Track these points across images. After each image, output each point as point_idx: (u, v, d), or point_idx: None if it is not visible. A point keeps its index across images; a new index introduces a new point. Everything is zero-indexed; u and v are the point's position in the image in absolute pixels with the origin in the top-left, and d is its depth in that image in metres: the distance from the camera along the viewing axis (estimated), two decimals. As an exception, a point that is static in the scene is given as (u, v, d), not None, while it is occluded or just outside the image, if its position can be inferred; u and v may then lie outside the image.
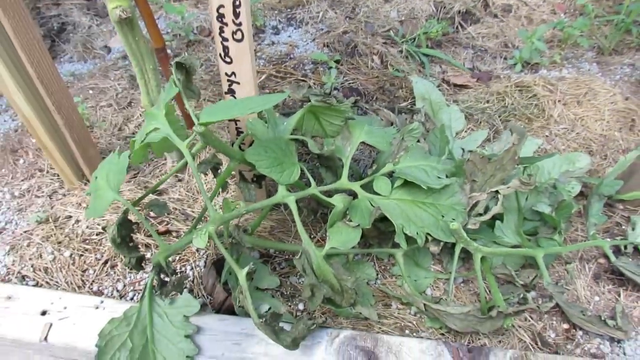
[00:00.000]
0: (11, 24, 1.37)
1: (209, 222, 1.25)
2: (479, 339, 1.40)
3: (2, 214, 1.77)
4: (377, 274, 1.57)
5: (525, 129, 2.04)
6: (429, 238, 1.41)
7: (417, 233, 1.38)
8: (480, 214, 1.48)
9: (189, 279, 1.56)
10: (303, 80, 2.21)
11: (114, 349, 1.24)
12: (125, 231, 1.30)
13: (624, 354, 1.38)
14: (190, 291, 1.53)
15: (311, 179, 1.39)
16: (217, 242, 1.22)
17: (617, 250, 1.61)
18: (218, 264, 1.53)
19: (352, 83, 2.19)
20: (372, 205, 1.40)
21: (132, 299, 1.53)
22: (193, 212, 1.73)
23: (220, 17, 1.21)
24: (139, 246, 1.63)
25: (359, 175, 1.76)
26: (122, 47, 2.47)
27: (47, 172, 1.89)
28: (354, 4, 2.67)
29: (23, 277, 1.57)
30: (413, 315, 1.47)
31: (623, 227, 1.70)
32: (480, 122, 2.05)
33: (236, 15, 1.20)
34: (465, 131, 2.01)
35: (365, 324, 1.43)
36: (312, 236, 1.66)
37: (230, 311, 1.44)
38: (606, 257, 1.57)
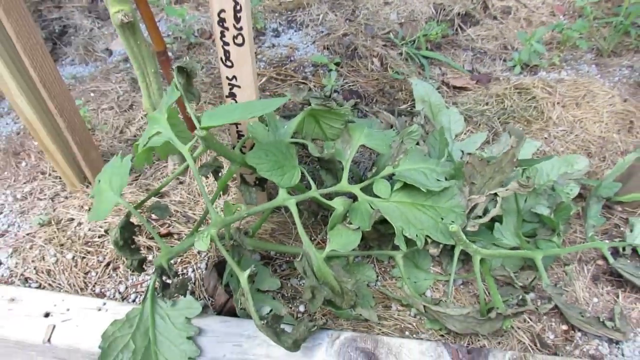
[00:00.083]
0: (14, 28, 1.38)
1: (210, 225, 1.26)
2: (478, 341, 1.42)
3: (4, 217, 1.78)
4: (377, 276, 1.58)
5: (524, 131, 2.05)
6: (429, 240, 1.42)
7: (417, 235, 1.39)
8: (479, 216, 1.49)
9: (191, 281, 1.57)
10: (303, 83, 2.22)
11: (116, 350, 1.25)
12: (127, 234, 1.32)
13: (623, 355, 1.39)
14: (192, 293, 1.54)
15: (311, 182, 1.40)
16: (218, 244, 1.23)
17: (615, 252, 1.62)
18: (219, 266, 1.54)
19: (352, 85, 2.20)
20: (372, 207, 1.42)
21: (134, 300, 1.54)
22: (194, 214, 1.74)
23: (222, 21, 1.22)
24: (141, 248, 1.64)
25: (359, 178, 1.77)
26: (123, 49, 2.48)
27: (49, 174, 1.90)
28: (353, 6, 2.68)
29: (26, 279, 1.59)
30: (413, 316, 1.48)
31: (621, 228, 1.70)
32: (480, 125, 2.06)
33: (237, 19, 1.21)
34: (465, 133, 2.02)
35: (365, 325, 1.44)
36: (312, 238, 1.67)
37: (232, 313, 1.46)
38: (605, 258, 1.58)
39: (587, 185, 1.78)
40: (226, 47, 1.27)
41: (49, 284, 1.57)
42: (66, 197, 1.82)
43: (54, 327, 1.38)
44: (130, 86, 2.26)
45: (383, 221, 1.42)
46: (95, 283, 1.58)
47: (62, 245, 1.66)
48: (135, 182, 1.84)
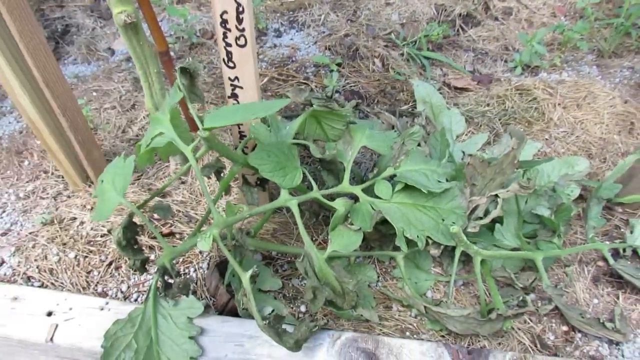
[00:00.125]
0: (17, 28, 1.39)
1: (212, 226, 1.26)
2: (478, 341, 1.42)
3: (7, 215, 1.79)
4: (378, 277, 1.59)
5: (525, 133, 2.05)
6: (430, 241, 1.42)
7: (418, 236, 1.40)
8: (480, 218, 1.49)
9: (193, 280, 1.57)
10: (305, 83, 2.22)
11: (119, 349, 1.26)
12: (130, 234, 1.32)
13: (623, 356, 1.40)
14: (194, 293, 1.55)
15: (313, 183, 1.41)
16: (221, 245, 1.24)
17: (616, 253, 1.63)
18: (221, 266, 1.55)
19: (354, 86, 2.21)
20: (373, 208, 1.42)
21: (136, 300, 1.54)
22: (196, 214, 1.75)
23: (224, 22, 1.22)
24: (143, 248, 1.65)
25: (360, 178, 1.77)
26: (125, 49, 2.48)
27: (52, 173, 1.91)
28: (355, 6, 2.68)
29: (28, 278, 1.59)
30: (413, 317, 1.49)
31: (622, 230, 1.71)
32: (481, 125, 2.06)
33: (239, 21, 1.21)
34: (466, 134, 2.03)
35: (366, 325, 1.45)
36: (314, 238, 1.68)
37: (233, 313, 1.46)
38: (605, 260, 1.59)
39: (587, 186, 1.79)
40: (228, 48, 1.28)
41: (52, 283, 1.57)
42: (68, 196, 1.83)
43: (57, 326, 1.39)
44: (132, 86, 2.26)
45: (384, 222, 1.42)
46: (98, 282, 1.58)
47: (64, 244, 1.66)
48: (137, 181, 1.85)
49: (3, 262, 1.64)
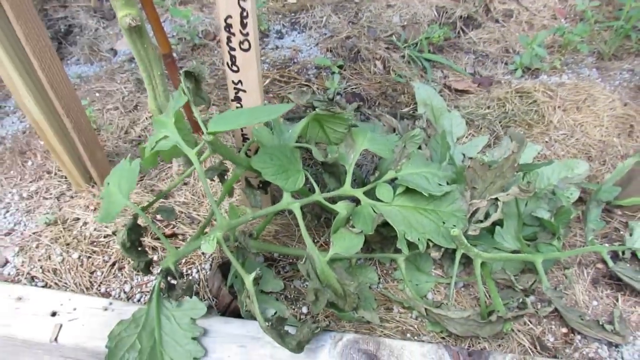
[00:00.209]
0: (23, 30, 1.40)
1: (216, 228, 1.28)
2: (479, 343, 1.44)
3: (10, 215, 1.80)
4: (379, 278, 1.60)
5: (525, 135, 2.07)
6: (430, 244, 1.44)
7: (419, 239, 1.41)
8: (481, 221, 1.51)
9: (195, 281, 1.59)
10: (306, 85, 2.23)
11: (123, 350, 1.27)
12: (134, 235, 1.33)
13: (622, 358, 1.41)
14: (196, 294, 1.56)
15: (315, 185, 1.42)
16: (224, 248, 1.25)
17: (615, 256, 1.64)
18: (224, 267, 1.56)
19: (355, 88, 2.22)
20: (374, 211, 1.43)
21: (139, 300, 1.56)
22: (198, 215, 1.76)
23: (228, 27, 1.24)
24: (146, 249, 1.66)
25: (361, 181, 1.79)
26: (128, 49, 2.50)
27: (55, 174, 1.92)
28: (357, 8, 2.69)
29: (32, 278, 1.61)
30: (414, 319, 1.50)
31: (621, 232, 1.72)
32: (481, 128, 2.08)
33: (243, 25, 1.23)
34: (466, 137, 2.04)
35: (367, 327, 1.46)
36: (315, 240, 1.69)
37: (235, 313, 1.48)
38: (604, 262, 1.60)
39: (587, 189, 1.80)
40: (232, 52, 1.29)
41: (55, 283, 1.59)
42: (71, 197, 1.84)
43: (61, 326, 1.40)
44: (135, 86, 2.27)
45: (385, 224, 1.44)
46: (101, 282, 1.60)
47: (68, 244, 1.68)
48: (140, 182, 1.86)
49: (7, 262, 1.65)
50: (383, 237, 1.56)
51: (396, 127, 1.89)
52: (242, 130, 1.50)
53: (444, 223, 1.45)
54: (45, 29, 1.46)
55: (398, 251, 1.48)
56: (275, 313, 1.42)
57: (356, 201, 1.46)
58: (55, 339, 1.37)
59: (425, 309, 1.43)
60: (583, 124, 2.10)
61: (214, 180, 1.87)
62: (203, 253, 1.65)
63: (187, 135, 1.36)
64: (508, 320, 1.40)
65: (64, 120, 1.63)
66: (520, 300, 1.47)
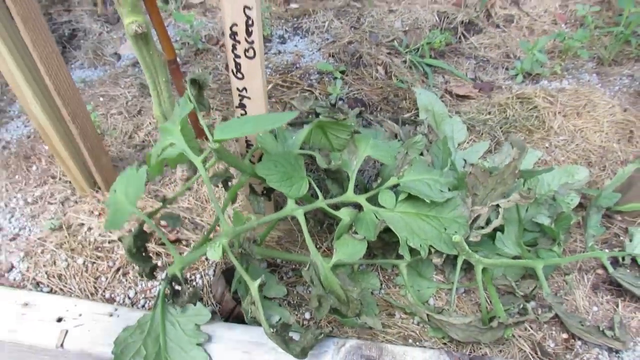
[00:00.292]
0: (31, 37, 1.41)
1: (221, 235, 1.29)
2: (480, 349, 1.45)
3: (15, 220, 1.81)
4: (381, 284, 1.62)
5: (526, 141, 2.08)
6: (432, 250, 1.45)
7: (421, 245, 1.43)
8: (482, 227, 1.52)
9: (199, 287, 1.60)
10: (309, 91, 2.25)
11: (128, 356, 1.29)
12: (140, 242, 1.35)
13: (621, 364, 1.43)
14: (200, 299, 1.57)
15: (318, 192, 1.44)
16: (230, 255, 1.26)
17: (615, 262, 1.65)
18: (227, 273, 1.58)
19: (357, 94, 2.24)
20: (377, 218, 1.45)
21: (143, 306, 1.57)
22: (202, 221, 1.78)
23: (233, 35, 1.25)
24: (151, 255, 1.67)
25: (363, 186, 1.80)
26: (131, 54, 2.51)
27: (60, 179, 1.94)
28: (359, 14, 2.71)
29: (37, 283, 1.62)
30: (416, 324, 1.52)
31: (621, 238, 1.74)
32: (482, 134, 2.09)
33: (249, 33, 1.24)
34: (467, 142, 2.06)
35: (369, 333, 1.48)
36: (318, 246, 1.70)
37: (239, 319, 1.49)
38: (604, 268, 1.61)
39: (587, 195, 1.81)
40: (237, 60, 1.30)
41: (60, 289, 1.60)
42: (76, 202, 1.86)
43: (67, 332, 1.41)
44: (138, 91, 2.29)
45: (387, 230, 1.45)
46: (105, 288, 1.61)
47: (72, 250, 1.69)
48: (144, 187, 1.87)
49: (12, 267, 1.67)
50: (385, 243, 1.58)
51: (398, 133, 1.90)
52: (245, 137, 1.52)
53: (445, 229, 1.46)
54: (51, 35, 1.47)
55: (400, 257, 1.49)
56: (280, 319, 1.44)
57: (358, 207, 1.48)
58: (61, 345, 1.39)
59: (427, 314, 1.44)
60: (583, 130, 2.12)
61: (217, 187, 1.88)
62: (207, 259, 1.66)
63: (192, 142, 1.37)
64: (509, 326, 1.41)
65: (70, 126, 1.64)
66: (521, 306, 1.49)
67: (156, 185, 1.89)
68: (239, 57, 1.30)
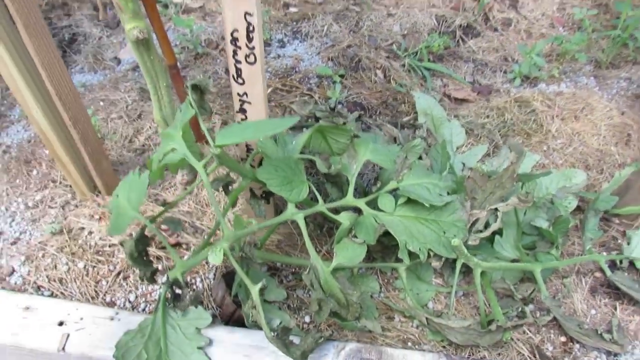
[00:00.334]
0: (33, 42, 1.42)
1: (222, 239, 1.30)
2: (479, 352, 1.46)
3: (16, 224, 1.82)
4: (381, 287, 1.62)
5: (524, 144, 2.09)
6: (431, 253, 1.46)
7: (420, 249, 1.44)
8: (480, 231, 1.53)
9: (200, 291, 1.61)
10: (308, 94, 2.26)
11: (129, 359, 1.30)
12: (141, 246, 1.36)
13: (620, 367, 1.44)
14: (200, 303, 1.58)
15: (318, 196, 1.45)
16: (231, 259, 1.27)
17: (612, 265, 1.67)
18: (227, 277, 1.59)
19: (356, 97, 2.24)
20: (376, 221, 1.46)
21: (144, 310, 1.58)
22: (202, 224, 1.78)
23: (234, 40, 1.26)
24: (151, 259, 1.68)
25: (362, 190, 1.81)
26: (131, 58, 2.52)
27: (60, 183, 1.94)
28: (357, 17, 2.72)
29: (38, 287, 1.63)
30: (415, 328, 1.53)
31: (619, 241, 1.75)
32: (480, 137, 2.10)
33: (249, 39, 1.25)
34: (466, 146, 2.07)
35: (369, 336, 1.49)
36: (318, 250, 1.71)
37: (239, 323, 1.50)
38: (602, 271, 1.62)
39: (585, 198, 1.83)
40: (238, 65, 1.31)
41: (61, 293, 1.61)
42: (76, 206, 1.86)
43: (68, 335, 1.42)
44: (138, 95, 2.30)
45: (386, 233, 1.46)
46: (106, 292, 1.62)
47: (73, 254, 1.70)
48: (144, 191, 1.88)
49: (14, 271, 1.67)
50: (384, 246, 1.59)
51: (397, 137, 1.91)
52: (245, 141, 1.53)
53: (444, 233, 1.47)
54: (53, 40, 1.48)
55: (399, 260, 1.51)
56: (280, 323, 1.45)
57: (358, 211, 1.49)
58: (63, 349, 1.39)
59: (426, 318, 1.45)
60: (581, 133, 2.13)
61: (218, 191, 1.89)
62: (207, 262, 1.67)
63: (193, 147, 1.38)
64: (507, 330, 1.42)
65: (71, 131, 1.65)
66: (520, 309, 1.50)
67: (156, 189, 1.90)
68: (239, 62, 1.31)
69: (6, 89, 2.35)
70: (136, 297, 1.61)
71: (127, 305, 1.59)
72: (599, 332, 1.44)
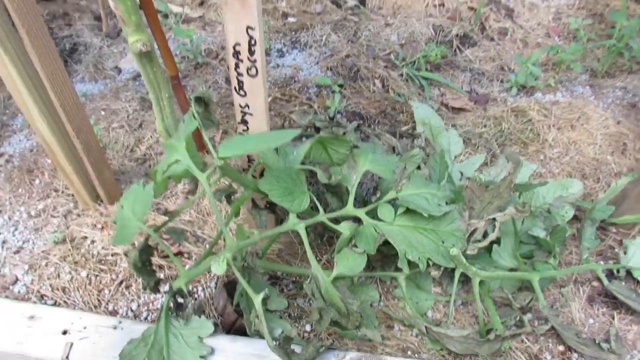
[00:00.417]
0: (37, 54, 1.44)
1: (225, 249, 1.32)
2: (477, 360, 1.48)
3: (19, 233, 1.84)
4: (380, 296, 1.64)
5: (521, 154, 2.12)
6: (430, 263, 1.48)
7: (419, 258, 1.46)
8: (479, 240, 1.55)
9: (202, 300, 1.62)
10: (308, 104, 2.28)
11: (133, 368, 1.31)
12: (145, 256, 1.38)
13: (617, 375, 1.46)
14: (202, 312, 1.60)
15: (319, 205, 1.47)
16: (234, 269, 1.29)
17: (610, 274, 1.68)
18: (229, 286, 1.60)
19: (355, 107, 2.27)
20: (376, 231, 1.48)
21: (146, 318, 1.59)
22: (203, 234, 1.80)
23: (236, 54, 1.28)
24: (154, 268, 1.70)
25: (361, 199, 1.83)
26: (132, 67, 2.54)
27: (62, 192, 1.96)
28: (355, 27, 2.75)
29: (42, 296, 1.64)
30: (415, 336, 1.54)
31: (616, 250, 1.77)
32: (478, 146, 2.13)
33: (251, 52, 1.27)
34: (464, 155, 2.09)
35: (369, 345, 1.50)
36: (318, 259, 1.73)
37: (241, 332, 1.51)
38: (600, 280, 1.64)
39: (581, 207, 1.85)
40: (240, 78, 1.33)
41: (64, 301, 1.62)
42: (78, 215, 1.88)
43: (72, 344, 1.43)
44: (139, 105, 2.32)
45: (386, 243, 1.48)
46: (109, 301, 1.63)
47: (76, 263, 1.71)
48: (146, 200, 1.90)
49: (17, 279, 1.69)
50: (384, 255, 1.61)
51: (395, 146, 1.93)
52: (247, 153, 1.55)
53: (443, 242, 1.49)
54: (56, 52, 1.50)
55: (399, 269, 1.52)
56: (282, 332, 1.46)
57: (358, 220, 1.51)
58: (67, 357, 1.41)
59: (426, 326, 1.47)
60: (577, 142, 2.16)
61: (220, 201, 1.91)
62: (209, 272, 1.69)
63: (196, 157, 1.40)
64: (506, 339, 1.44)
65: (74, 141, 1.67)
66: (518, 318, 1.52)
67: (157, 198, 1.92)
68: (241, 75, 1.33)
69: (8, 98, 2.37)
70: (138, 305, 1.63)
71: (130, 314, 1.61)
72: (596, 342, 1.45)
